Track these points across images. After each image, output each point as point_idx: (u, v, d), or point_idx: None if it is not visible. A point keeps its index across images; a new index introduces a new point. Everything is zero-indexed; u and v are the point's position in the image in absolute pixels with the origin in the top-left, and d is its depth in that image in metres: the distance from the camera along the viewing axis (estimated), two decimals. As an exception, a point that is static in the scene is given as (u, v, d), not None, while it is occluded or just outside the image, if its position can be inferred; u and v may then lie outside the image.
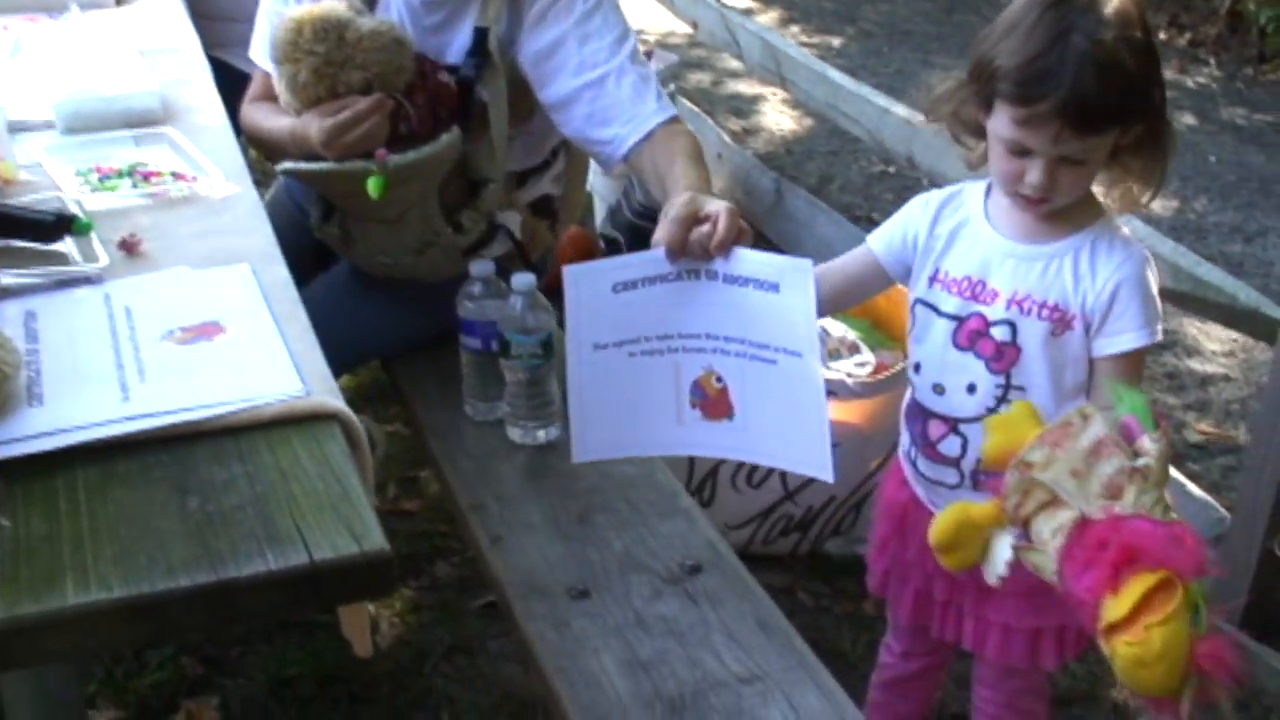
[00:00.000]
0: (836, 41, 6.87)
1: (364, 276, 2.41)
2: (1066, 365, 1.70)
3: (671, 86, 4.41)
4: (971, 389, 1.75)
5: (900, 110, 3.35)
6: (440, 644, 2.60)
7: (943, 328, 1.77)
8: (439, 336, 2.38)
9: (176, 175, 2.05)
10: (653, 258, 1.74)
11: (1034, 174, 1.61)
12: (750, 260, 1.71)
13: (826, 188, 4.93)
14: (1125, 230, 1.72)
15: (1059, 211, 1.69)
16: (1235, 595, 2.47)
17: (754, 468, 2.73)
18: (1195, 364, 3.72)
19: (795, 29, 7.05)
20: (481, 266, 2.18)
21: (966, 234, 1.77)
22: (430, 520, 2.95)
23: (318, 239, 2.39)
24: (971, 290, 1.74)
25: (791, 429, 1.74)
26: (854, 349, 2.82)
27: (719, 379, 1.76)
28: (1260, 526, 2.38)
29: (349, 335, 2.36)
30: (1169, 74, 6.50)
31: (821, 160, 5.22)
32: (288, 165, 2.21)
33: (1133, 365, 1.69)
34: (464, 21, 2.25)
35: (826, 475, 1.72)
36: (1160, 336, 1.69)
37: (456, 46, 2.26)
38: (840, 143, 5.32)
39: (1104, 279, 1.66)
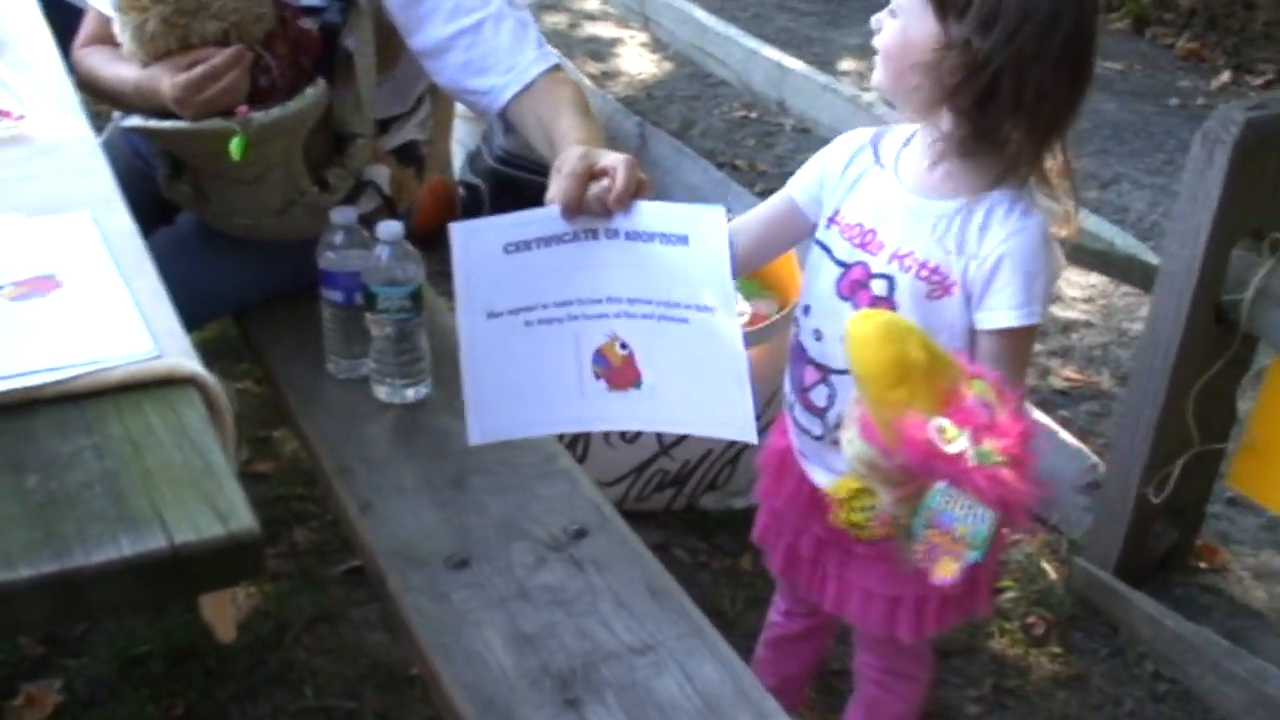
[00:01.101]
0: (692, -16, 6.76)
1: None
2: (941, 331, 1.61)
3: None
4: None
5: (770, 53, 3.27)
6: (301, 614, 2.46)
7: (830, 272, 1.69)
8: (296, 288, 2.24)
9: (1, 112, 1.86)
10: (547, 215, 1.63)
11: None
12: (654, 213, 1.61)
13: (688, 133, 4.83)
14: (1039, 200, 1.61)
15: (967, 172, 1.59)
16: (1111, 542, 2.47)
17: (628, 422, 2.64)
18: (1057, 310, 3.73)
19: (650, -29, 6.93)
20: (343, 215, 2.04)
21: (870, 179, 1.68)
22: (286, 483, 2.80)
23: (161, 191, 2.21)
24: (861, 238, 1.66)
25: (707, 391, 1.64)
26: (729, 299, 2.74)
27: (623, 345, 1.65)
28: (1135, 473, 2.37)
29: (199, 291, 2.16)
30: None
31: (683, 105, 5.12)
32: (135, 122, 2.01)
33: (1013, 345, 1.61)
34: None
35: (750, 436, 1.62)
36: (1039, 319, 1.60)
37: None
38: (701, 87, 5.23)
39: (990, 249, 1.57)
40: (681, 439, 2.65)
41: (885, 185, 1.66)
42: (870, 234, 1.66)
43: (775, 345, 2.62)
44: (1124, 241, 2.38)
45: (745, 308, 2.74)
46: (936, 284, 1.61)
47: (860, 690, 2.04)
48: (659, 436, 2.65)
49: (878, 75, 1.62)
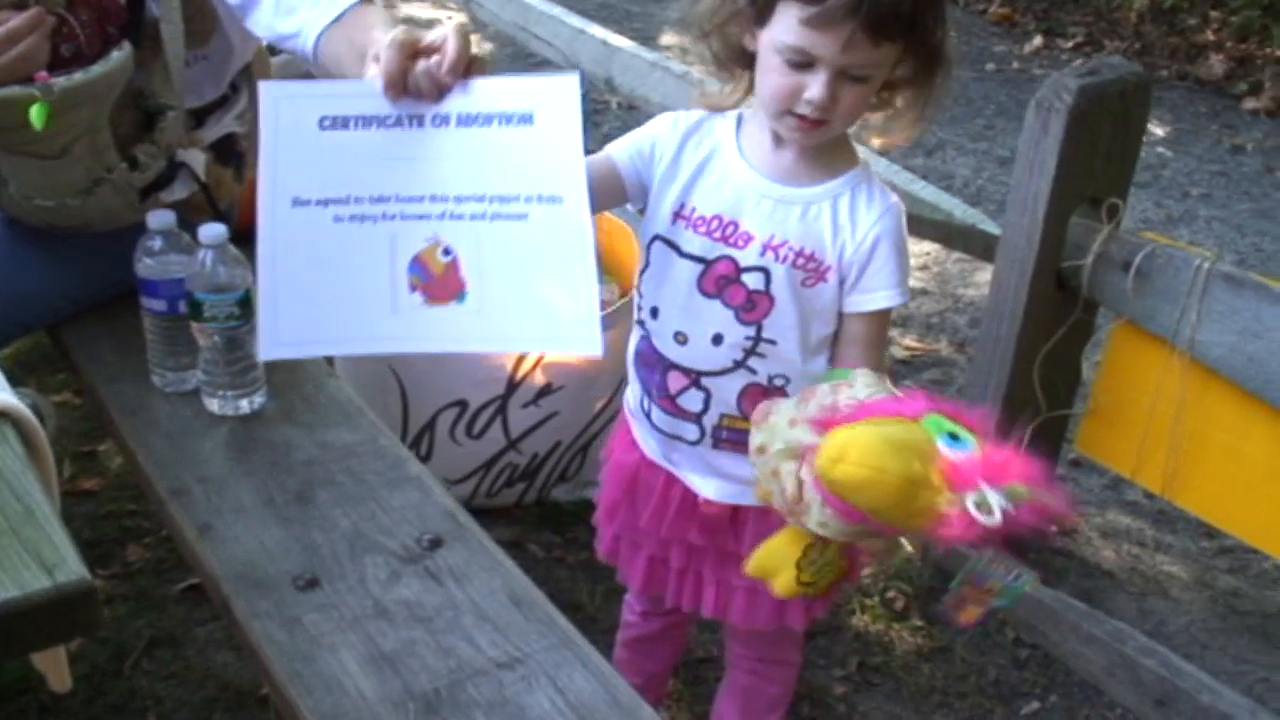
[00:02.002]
0: (509, -39, 6.66)
1: (20, 229, 2.08)
2: (815, 318, 1.59)
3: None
4: (718, 340, 1.62)
5: (596, 31, 3.21)
6: (140, 637, 2.34)
7: (686, 270, 1.62)
8: (114, 297, 2.11)
9: None
10: (369, 90, 1.45)
11: (815, 89, 1.45)
12: (493, 90, 1.45)
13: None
14: (877, 178, 1.61)
15: (818, 153, 1.56)
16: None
17: (474, 416, 2.56)
18: (892, 279, 3.76)
19: (464, -52, 6.80)
20: (160, 218, 1.92)
21: (717, 167, 1.61)
22: (115, 499, 2.66)
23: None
24: (722, 231, 1.60)
25: (545, 300, 1.45)
26: (571, 285, 2.67)
27: (446, 251, 1.46)
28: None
29: (7, 303, 2.06)
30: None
31: (506, 85, 5.03)
32: None
33: (881, 324, 1.61)
34: None
35: (595, 350, 1.45)
36: (908, 296, 1.60)
37: None
38: (525, 66, 5.13)
39: (864, 230, 1.55)
40: (528, 433, 2.58)
41: (738, 172, 1.60)
42: (731, 225, 1.60)
43: (620, 331, 2.56)
44: (963, 212, 2.39)
45: (588, 293, 2.68)
46: (812, 271, 1.57)
47: (732, 679, 2.01)
48: (506, 430, 2.58)
49: (835, 130, 1.54)
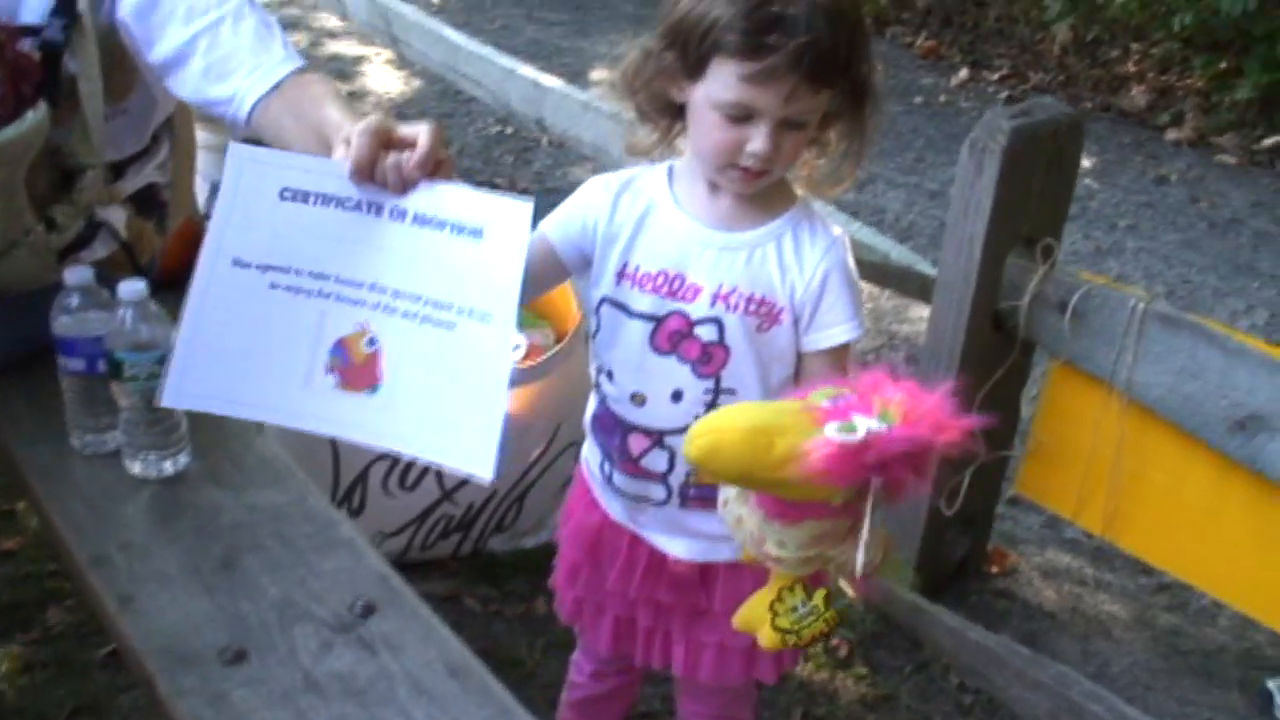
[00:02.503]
0: (436, -2, 6.63)
1: (-71, 289, 2.01)
2: (774, 361, 1.57)
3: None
4: (677, 396, 1.59)
5: (526, 71, 3.17)
6: (62, 707, 2.26)
7: (637, 330, 1.59)
8: (30, 354, 2.03)
9: None
10: (334, 170, 1.46)
11: (758, 141, 1.42)
12: (451, 197, 1.46)
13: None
14: (818, 213, 1.59)
15: (756, 195, 1.53)
16: (907, 556, 2.46)
17: (407, 467, 2.51)
18: (827, 315, 3.75)
19: (391, -15, 6.75)
20: (78, 274, 1.85)
21: (655, 222, 1.58)
22: (35, 559, 2.58)
23: None
24: (669, 286, 1.56)
25: (453, 412, 1.46)
26: (504, 332, 2.63)
27: (371, 341, 1.48)
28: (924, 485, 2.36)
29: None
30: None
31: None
32: None
33: (841, 359, 1.57)
34: None
35: (486, 473, 1.44)
36: (863, 328, 1.58)
37: (35, 2, 1.91)
38: (454, 104, 5.09)
39: (812, 267, 1.53)
40: (463, 484, 2.53)
41: (678, 224, 1.57)
42: (678, 279, 1.57)
43: (556, 378, 2.53)
44: (899, 253, 2.38)
45: (520, 339, 2.64)
46: (765, 315, 1.54)
47: (681, 737, 1.97)
48: (440, 481, 2.53)
49: (768, 180, 1.51)
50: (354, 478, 2.51)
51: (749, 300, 1.54)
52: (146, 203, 2.14)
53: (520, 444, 2.54)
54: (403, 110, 5.09)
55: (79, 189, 1.94)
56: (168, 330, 1.80)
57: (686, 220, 1.57)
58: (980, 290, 2.19)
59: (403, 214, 1.47)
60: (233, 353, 1.49)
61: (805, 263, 1.53)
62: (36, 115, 1.79)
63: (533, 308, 2.74)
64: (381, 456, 2.49)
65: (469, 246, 1.45)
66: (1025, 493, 2.39)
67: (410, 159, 1.44)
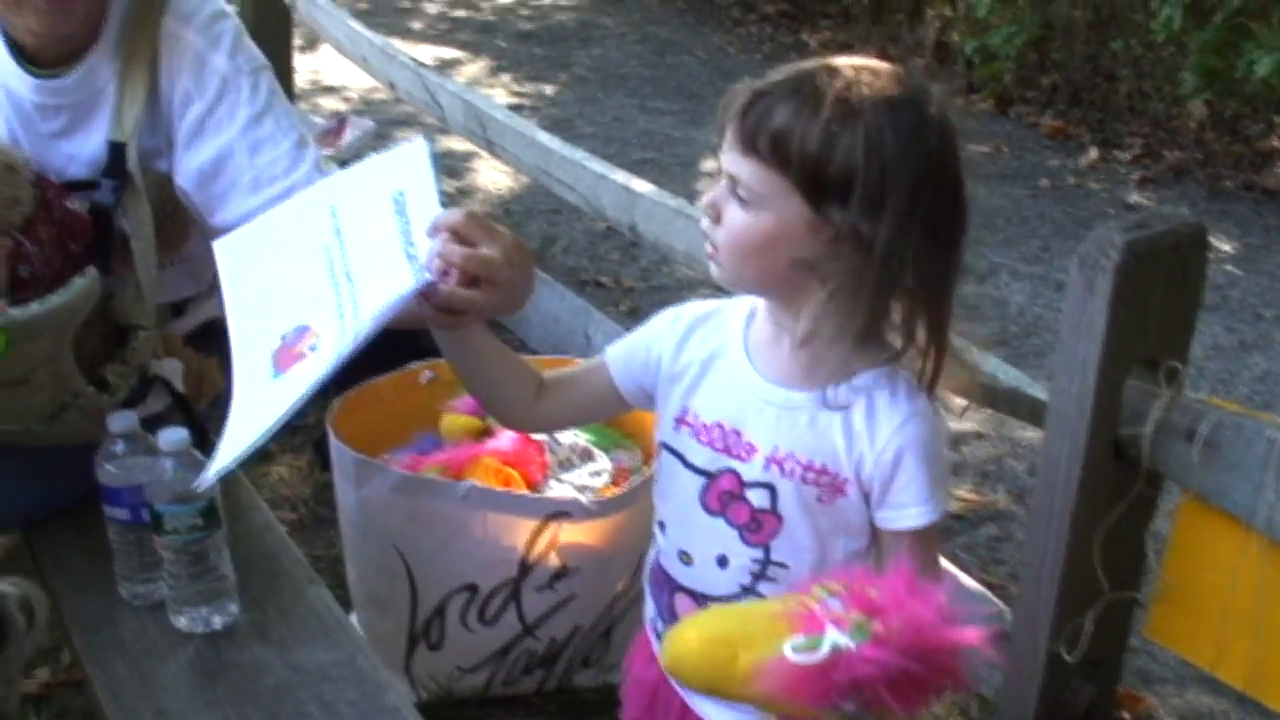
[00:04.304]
0: (549, 89, 6.59)
1: (-17, 434, 1.95)
2: (837, 535, 1.40)
3: (371, 156, 4.02)
4: (723, 562, 1.44)
5: (618, 176, 3.05)
6: None
7: (690, 483, 1.44)
8: (88, 494, 1.95)
9: None
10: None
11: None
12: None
13: (550, 250, 4.62)
14: (908, 377, 1.40)
15: (835, 351, 1.36)
16: (1025, 701, 2.24)
17: (486, 601, 2.37)
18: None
19: (506, 78, 6.74)
20: (122, 421, 1.76)
21: (722, 369, 1.44)
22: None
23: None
24: (725, 441, 1.42)
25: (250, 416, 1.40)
26: (586, 455, 2.49)
27: (313, 347, 1.40)
28: (1044, 625, 2.15)
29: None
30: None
31: (542, 220, 4.91)
32: None
33: (924, 540, 1.39)
34: (92, 126, 1.84)
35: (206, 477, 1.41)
36: (947, 508, 1.40)
37: (86, 156, 1.84)
38: (561, 201, 5.02)
39: (884, 440, 1.36)
40: (545, 618, 2.39)
41: (740, 375, 1.43)
42: (734, 435, 1.42)
43: (641, 508, 2.37)
44: (1006, 374, 2.19)
45: (605, 465, 2.50)
46: (827, 486, 1.38)
47: None
48: (520, 615, 2.39)
49: (727, 269, 1.36)
50: (431, 610, 2.39)
51: (807, 467, 1.38)
52: (207, 339, 2.06)
53: (602, 578, 2.39)
54: (510, 207, 5.04)
55: (131, 349, 1.86)
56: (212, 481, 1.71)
57: (749, 370, 1.42)
58: (1097, 417, 1.99)
59: (421, 277, 1.37)
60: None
61: (877, 434, 1.36)
62: (85, 281, 1.72)
63: (619, 425, 2.60)
64: (459, 589, 2.36)
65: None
66: (1154, 638, 2.16)
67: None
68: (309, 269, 1.43)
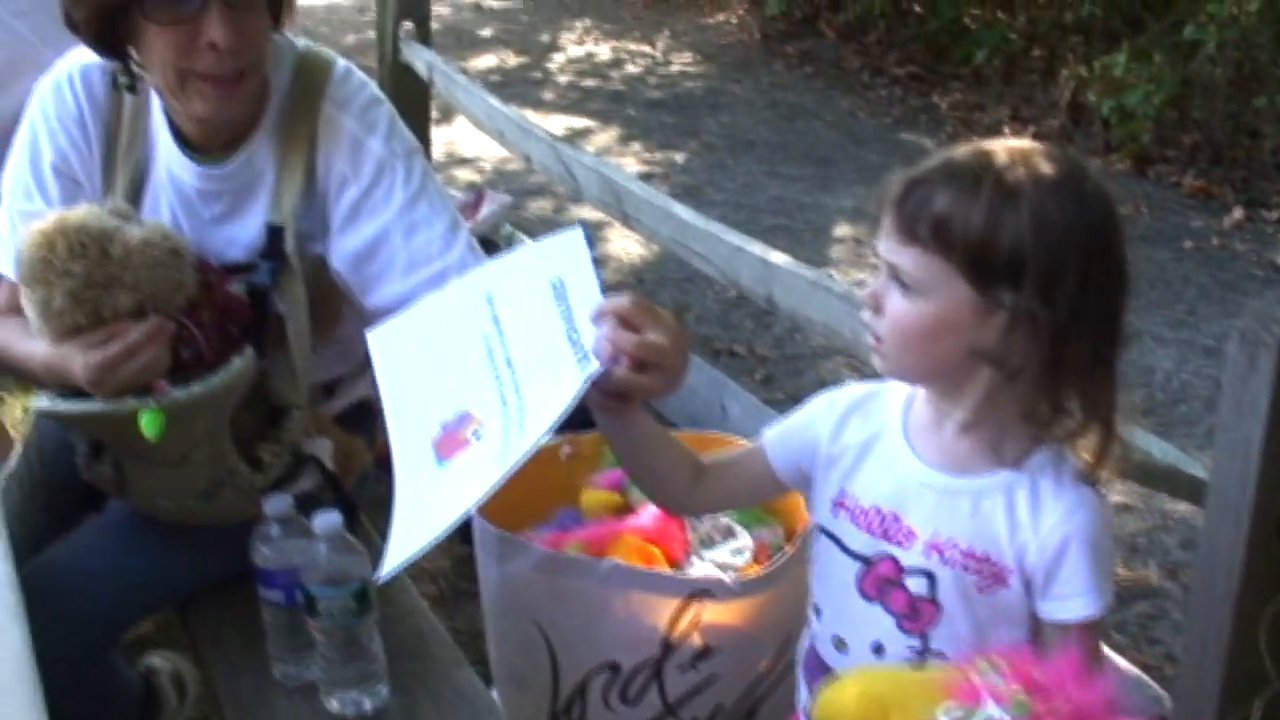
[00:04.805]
0: (679, 157, 6.64)
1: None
2: (997, 625, 1.37)
3: (508, 228, 4.09)
4: (879, 650, 1.42)
5: (754, 248, 3.05)
6: None
7: (847, 568, 1.43)
8: (242, 572, 1.99)
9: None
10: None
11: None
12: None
13: (683, 318, 4.63)
14: (1073, 462, 1.37)
15: (995, 436, 1.35)
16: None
17: (628, 681, 2.36)
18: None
19: (636, 146, 6.81)
20: (277, 504, 1.80)
21: (881, 452, 1.43)
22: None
23: (88, 476, 1.97)
24: (883, 526, 1.40)
25: (421, 507, 1.39)
26: (728, 533, 2.47)
27: (476, 434, 1.40)
28: (1207, 716, 2.08)
29: (132, 585, 1.96)
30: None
31: (675, 288, 4.93)
32: (44, 405, 1.81)
33: (1088, 634, 1.36)
34: (250, 210, 1.89)
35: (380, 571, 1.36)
36: (1111, 600, 1.37)
37: (244, 239, 1.90)
38: (693, 269, 5.04)
39: (1048, 529, 1.33)
40: (687, 698, 2.36)
41: (900, 459, 1.41)
42: (893, 520, 1.41)
43: (786, 584, 2.35)
44: (1163, 451, 2.12)
45: (747, 542, 2.48)
46: (988, 575, 1.35)
47: None
48: (663, 695, 2.37)
49: (892, 360, 1.36)
50: (573, 688, 2.38)
51: (968, 555, 1.36)
52: (357, 419, 2.09)
53: (746, 658, 2.36)
54: (642, 275, 5.07)
55: (285, 428, 1.90)
56: (364, 563, 1.73)
57: (909, 454, 1.41)
58: (1261, 498, 1.91)
59: (586, 362, 1.36)
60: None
61: (1041, 523, 1.33)
62: (243, 361, 1.77)
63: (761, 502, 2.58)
64: (601, 667, 2.35)
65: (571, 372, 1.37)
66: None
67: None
68: (467, 356, 1.45)
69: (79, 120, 1.91)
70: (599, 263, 4.93)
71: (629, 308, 1.35)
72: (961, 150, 1.35)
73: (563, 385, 1.36)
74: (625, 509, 2.49)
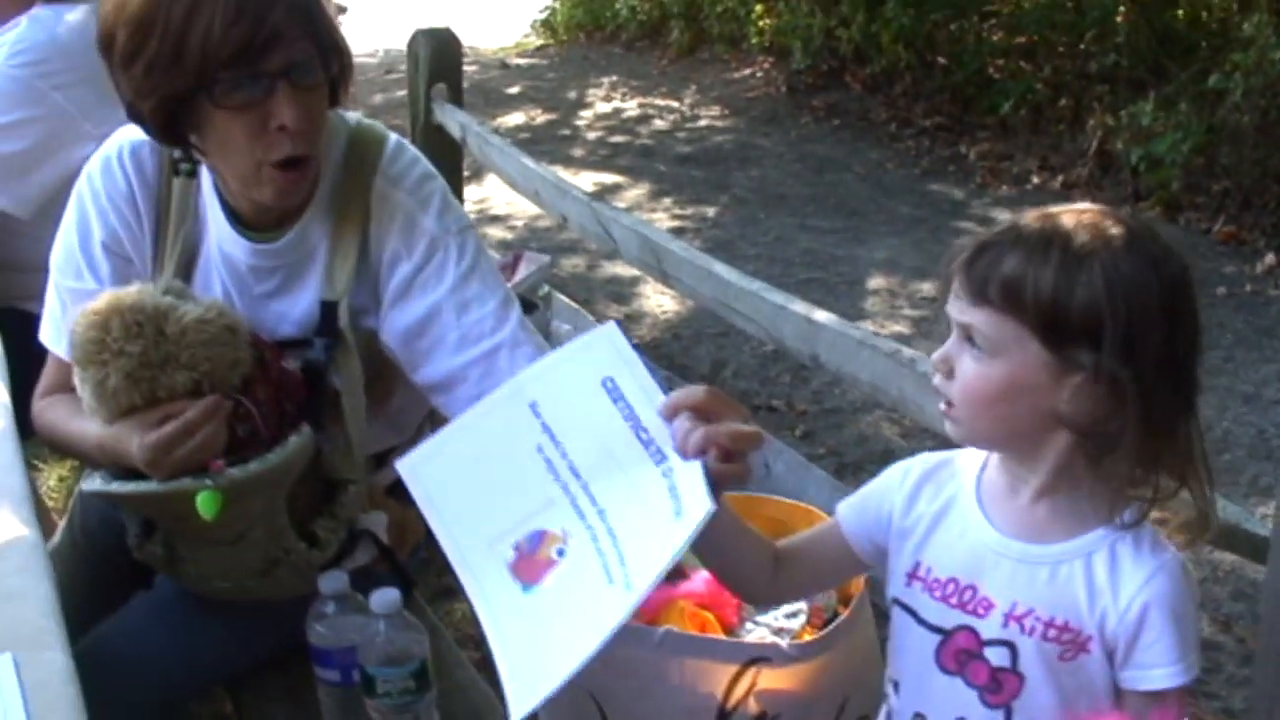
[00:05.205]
0: (711, 211, 6.65)
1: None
2: (1081, 695, 1.34)
3: (545, 288, 4.09)
4: None
5: (798, 306, 3.03)
6: None
7: (924, 641, 1.41)
8: (293, 649, 1.97)
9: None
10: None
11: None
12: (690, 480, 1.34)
13: (720, 374, 4.62)
14: (1153, 527, 1.35)
15: (1072, 502, 1.34)
16: None
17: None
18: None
19: (667, 201, 6.83)
20: (332, 582, 1.78)
21: (954, 521, 1.42)
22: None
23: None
24: (959, 597, 1.38)
25: (547, 644, 1.33)
26: (782, 598, 2.45)
27: (560, 552, 1.36)
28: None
29: (182, 664, 1.93)
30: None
31: (711, 344, 4.91)
32: (96, 486, 1.78)
33: (1173, 705, 1.33)
34: (303, 285, 1.88)
35: (517, 711, 1.30)
36: (1198, 670, 1.33)
37: (296, 315, 1.89)
38: (728, 323, 5.03)
39: (1129, 596, 1.31)
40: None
41: (974, 528, 1.40)
42: (969, 590, 1.39)
43: (843, 649, 2.32)
44: (1224, 509, 2.09)
45: (801, 604, 2.45)
46: (1069, 644, 1.33)
47: None
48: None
49: (965, 425, 1.35)
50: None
51: (1048, 624, 1.33)
52: (406, 489, 2.07)
53: (803, 725, 2.33)
54: (679, 332, 5.06)
55: (341, 503, 1.88)
56: (423, 639, 1.71)
57: (983, 523, 1.39)
58: (1328, 558, 1.89)
59: (661, 459, 1.35)
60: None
61: (1121, 589, 1.31)
62: (300, 439, 1.75)
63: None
64: (654, 737, 2.32)
65: (668, 522, 1.32)
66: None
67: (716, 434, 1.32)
68: (524, 470, 1.41)
69: (129, 198, 1.91)
70: (633, 318, 4.94)
71: (705, 399, 1.34)
72: (1029, 215, 1.35)
73: (648, 490, 1.34)
74: (677, 573, 2.46)
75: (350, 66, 1.78)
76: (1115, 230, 1.30)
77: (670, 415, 1.35)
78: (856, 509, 1.52)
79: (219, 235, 1.89)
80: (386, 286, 1.85)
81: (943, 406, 1.36)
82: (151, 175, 1.90)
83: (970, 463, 1.45)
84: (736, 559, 1.53)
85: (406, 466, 1.47)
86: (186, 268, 1.90)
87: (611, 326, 1.43)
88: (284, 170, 1.74)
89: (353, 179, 1.86)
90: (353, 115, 1.90)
